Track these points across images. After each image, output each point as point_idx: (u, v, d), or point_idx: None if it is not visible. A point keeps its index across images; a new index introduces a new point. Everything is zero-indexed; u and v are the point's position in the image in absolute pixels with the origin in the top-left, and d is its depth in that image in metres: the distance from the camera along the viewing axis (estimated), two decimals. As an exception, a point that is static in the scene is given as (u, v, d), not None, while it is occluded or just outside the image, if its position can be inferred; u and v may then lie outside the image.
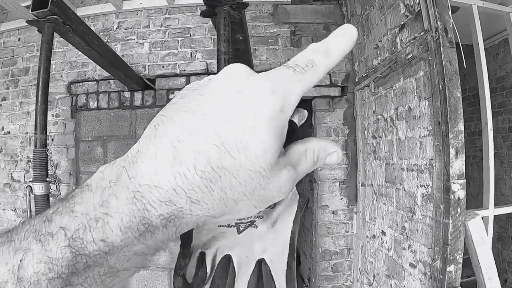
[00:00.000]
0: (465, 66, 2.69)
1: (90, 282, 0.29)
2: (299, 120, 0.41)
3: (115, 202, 0.29)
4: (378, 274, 3.46)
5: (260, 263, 0.44)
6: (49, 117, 4.21)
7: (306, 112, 0.43)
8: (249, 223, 0.43)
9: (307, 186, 5.10)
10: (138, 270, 0.33)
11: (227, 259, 0.44)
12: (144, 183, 0.29)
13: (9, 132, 4.59)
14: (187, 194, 0.29)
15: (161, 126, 0.31)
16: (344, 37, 0.35)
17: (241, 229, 0.43)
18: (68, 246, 0.28)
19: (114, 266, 0.30)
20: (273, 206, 0.44)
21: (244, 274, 0.43)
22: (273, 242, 0.44)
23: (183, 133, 0.30)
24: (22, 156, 4.53)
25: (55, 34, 2.74)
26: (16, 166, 4.55)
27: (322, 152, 0.37)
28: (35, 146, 2.63)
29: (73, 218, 0.29)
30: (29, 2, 4.40)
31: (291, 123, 0.35)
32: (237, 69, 0.34)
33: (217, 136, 0.29)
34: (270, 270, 0.43)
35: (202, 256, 0.44)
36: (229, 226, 0.43)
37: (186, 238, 0.43)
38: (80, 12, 4.30)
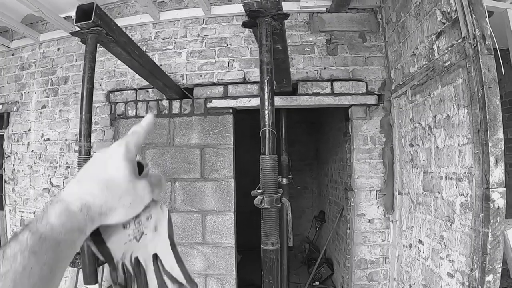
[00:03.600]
0: (503, 73, 2.66)
1: (46, 248, 0.50)
2: (145, 164, 0.68)
3: (53, 205, 0.55)
4: (414, 283, 3.42)
5: (156, 256, 0.70)
6: (89, 125, 4.34)
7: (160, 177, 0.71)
8: (141, 234, 0.69)
9: (342, 194, 5.08)
10: (74, 245, 0.55)
11: (137, 260, 0.69)
12: (65, 193, 0.57)
13: (48, 139, 4.77)
14: (91, 193, 0.57)
15: (77, 174, 0.62)
16: (145, 119, 0.70)
17: (138, 238, 0.68)
18: (29, 231, 0.50)
19: (56, 238, 0.52)
20: (150, 218, 0.70)
21: (149, 265, 0.69)
22: (158, 240, 0.71)
23: (83, 173, 0.61)
24: (61, 162, 4.69)
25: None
26: (55, 172, 4.71)
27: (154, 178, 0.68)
28: (79, 154, 2.68)
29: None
30: (68, 13, 4.62)
31: (139, 163, 0.66)
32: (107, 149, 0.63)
33: (103, 167, 0.61)
34: (161, 259, 0.70)
35: (123, 265, 0.67)
36: (130, 240, 0.67)
37: (109, 257, 0.66)
38: (118, 23, 4.34)
